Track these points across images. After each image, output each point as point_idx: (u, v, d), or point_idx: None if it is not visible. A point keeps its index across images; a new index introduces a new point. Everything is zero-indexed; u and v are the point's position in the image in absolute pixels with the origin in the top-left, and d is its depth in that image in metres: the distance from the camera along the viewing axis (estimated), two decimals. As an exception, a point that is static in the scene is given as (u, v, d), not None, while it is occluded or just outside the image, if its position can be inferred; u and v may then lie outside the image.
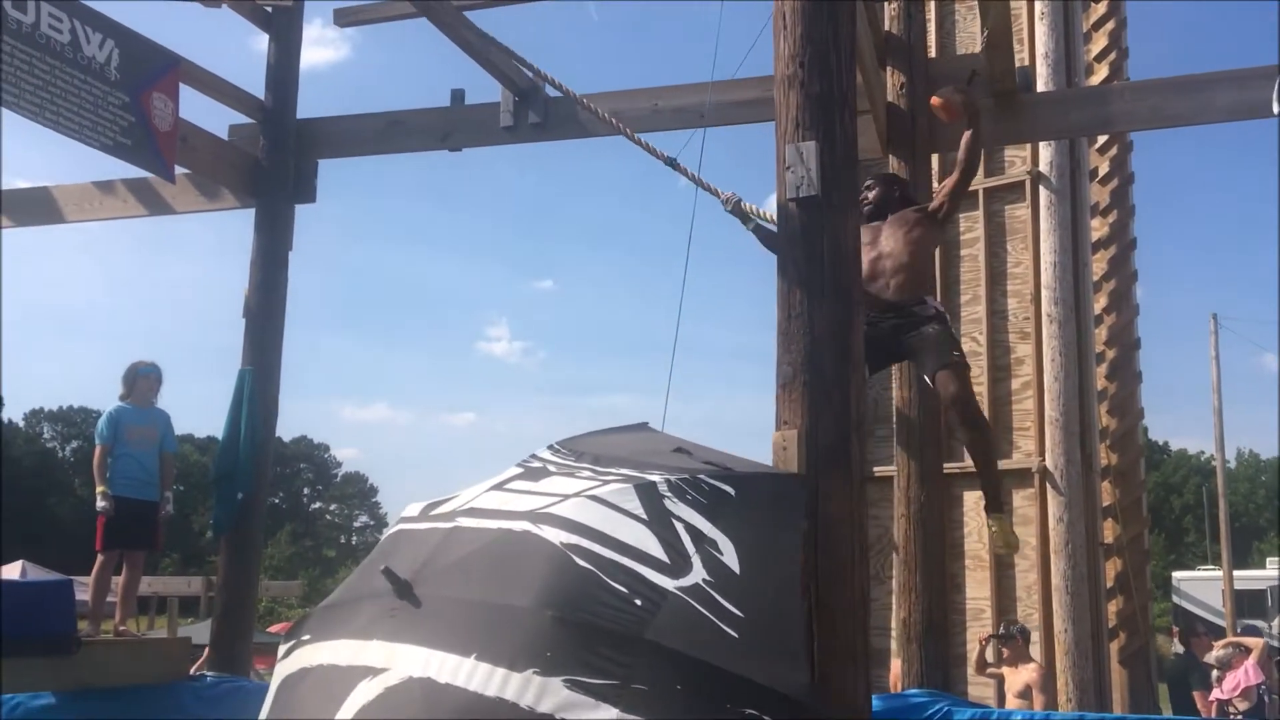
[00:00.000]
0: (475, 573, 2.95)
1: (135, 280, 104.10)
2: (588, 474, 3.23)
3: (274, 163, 7.86)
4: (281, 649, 3.18)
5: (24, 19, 5.96)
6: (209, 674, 6.93)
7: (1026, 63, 9.24)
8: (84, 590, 6.88)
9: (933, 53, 9.01)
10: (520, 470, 3.41)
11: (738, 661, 2.67)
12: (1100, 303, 10.69)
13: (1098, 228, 10.84)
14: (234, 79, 7.84)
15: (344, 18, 7.81)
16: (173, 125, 6.87)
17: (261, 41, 8.19)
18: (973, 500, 9.54)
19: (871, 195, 5.70)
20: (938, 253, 8.80)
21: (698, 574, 2.82)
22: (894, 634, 8.40)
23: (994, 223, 9.87)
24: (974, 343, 9.76)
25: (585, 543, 2.88)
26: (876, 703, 5.09)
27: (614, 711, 2.55)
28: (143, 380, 6.96)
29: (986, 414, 9.54)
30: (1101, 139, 10.93)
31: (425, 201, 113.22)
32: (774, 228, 4.55)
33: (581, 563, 2.84)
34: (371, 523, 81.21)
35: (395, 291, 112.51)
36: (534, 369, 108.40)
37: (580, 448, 3.51)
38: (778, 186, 3.58)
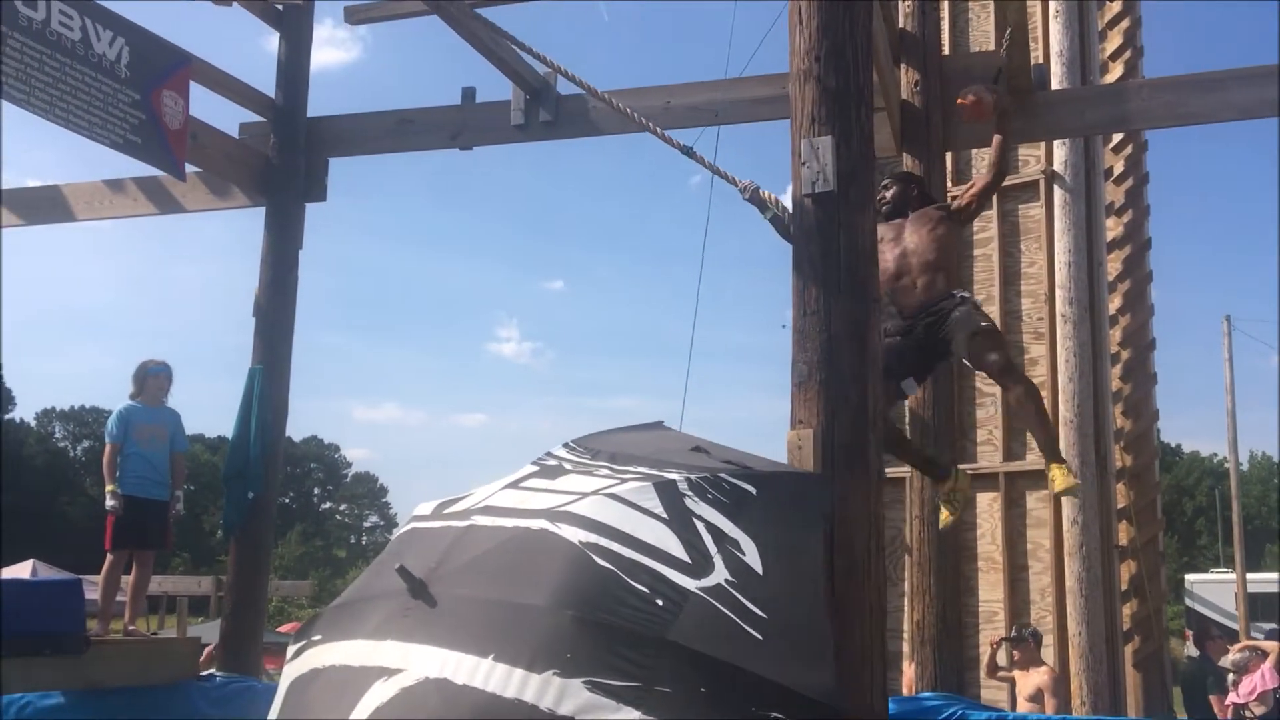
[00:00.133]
0: (492, 572, 2.89)
1: (146, 280, 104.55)
2: (605, 472, 3.17)
3: (284, 161, 7.84)
4: (290, 650, 3.12)
5: (34, 16, 5.94)
6: (218, 674, 6.90)
7: (1040, 61, 9.17)
8: (93, 589, 6.86)
9: (945, 51, 8.94)
10: (536, 468, 3.35)
11: (762, 663, 2.61)
12: (1115, 303, 10.60)
13: (1112, 227, 10.75)
14: (245, 79, 7.83)
15: (354, 15, 7.78)
16: (183, 123, 6.85)
17: (272, 41, 8.18)
18: (986, 502, 9.48)
19: (889, 194, 5.64)
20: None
21: (720, 574, 2.76)
22: (906, 636, 8.36)
23: (1008, 222, 9.80)
24: (987, 343, 9.69)
25: (605, 541, 2.82)
26: (890, 706, 5.04)
27: (636, 714, 2.49)
28: (153, 379, 6.93)
29: (999, 417, 9.54)
30: (1116, 138, 10.85)
31: (436, 202, 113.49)
32: (788, 216, 4.50)
33: (601, 562, 2.78)
34: (381, 523, 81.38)
35: (406, 292, 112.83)
36: (544, 370, 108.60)
37: (596, 446, 3.45)
38: (793, 182, 3.54)
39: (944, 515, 5.61)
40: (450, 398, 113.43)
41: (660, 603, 2.69)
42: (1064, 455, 5.66)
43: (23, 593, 6.06)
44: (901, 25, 6.95)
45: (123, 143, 6.43)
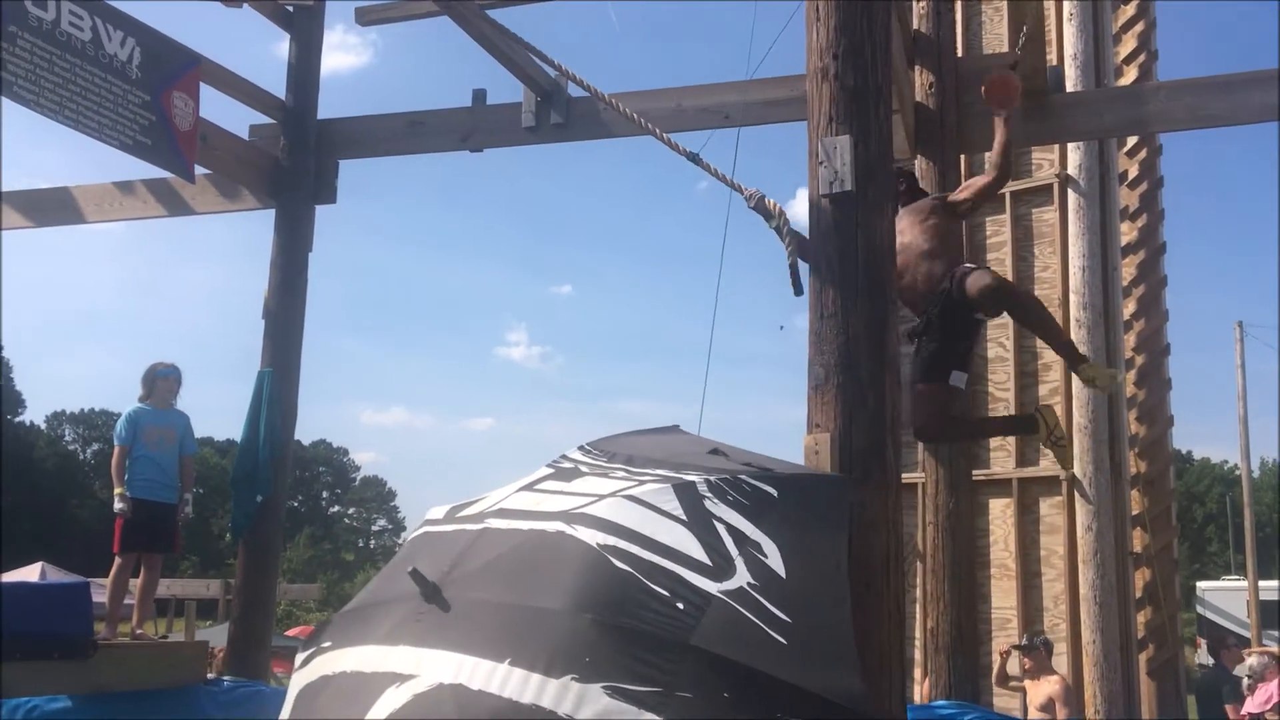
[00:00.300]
0: (507, 575, 2.82)
1: (155, 283, 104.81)
2: (622, 474, 3.10)
3: (294, 163, 7.81)
4: (299, 657, 3.06)
5: (45, 16, 5.92)
6: (226, 678, 6.86)
7: (1055, 64, 9.11)
8: (101, 592, 6.83)
9: (959, 53, 8.88)
10: (551, 471, 3.29)
11: (787, 668, 2.54)
12: (1129, 308, 10.53)
13: (1126, 232, 10.68)
14: (255, 83, 7.80)
15: (365, 15, 7.74)
16: (193, 125, 6.82)
17: (283, 46, 8.15)
18: (999, 508, 9.41)
19: None
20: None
21: (742, 577, 2.70)
22: (918, 644, 8.28)
23: (1021, 226, 9.73)
24: (1000, 348, 9.63)
25: (623, 544, 2.75)
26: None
27: (657, 719, 2.44)
28: (162, 382, 6.90)
29: (1013, 420, 9.45)
30: (1130, 142, 10.78)
31: (445, 206, 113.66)
32: (789, 228, 4.48)
33: (620, 564, 2.71)
34: (390, 526, 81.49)
35: (414, 295, 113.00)
36: (552, 374, 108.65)
37: (612, 448, 3.39)
38: (810, 182, 3.48)
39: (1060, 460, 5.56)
40: (459, 402, 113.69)
41: (681, 606, 2.63)
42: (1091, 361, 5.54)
43: (30, 595, 6.03)
44: (916, 27, 6.89)
45: (132, 144, 6.40)
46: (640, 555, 2.72)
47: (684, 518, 2.81)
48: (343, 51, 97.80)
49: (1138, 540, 10.09)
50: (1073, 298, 9.28)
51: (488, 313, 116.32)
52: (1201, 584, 30.32)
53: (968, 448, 6.80)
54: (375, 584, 3.17)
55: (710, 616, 2.60)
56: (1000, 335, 9.64)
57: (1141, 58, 10.70)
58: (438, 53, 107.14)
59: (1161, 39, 11.04)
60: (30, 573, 18.13)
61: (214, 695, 6.38)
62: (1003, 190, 9.78)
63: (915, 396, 5.11)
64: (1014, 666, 8.39)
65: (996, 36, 9.98)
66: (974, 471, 7.39)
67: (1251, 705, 8.96)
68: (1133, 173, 10.85)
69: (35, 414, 64.76)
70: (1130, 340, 10.50)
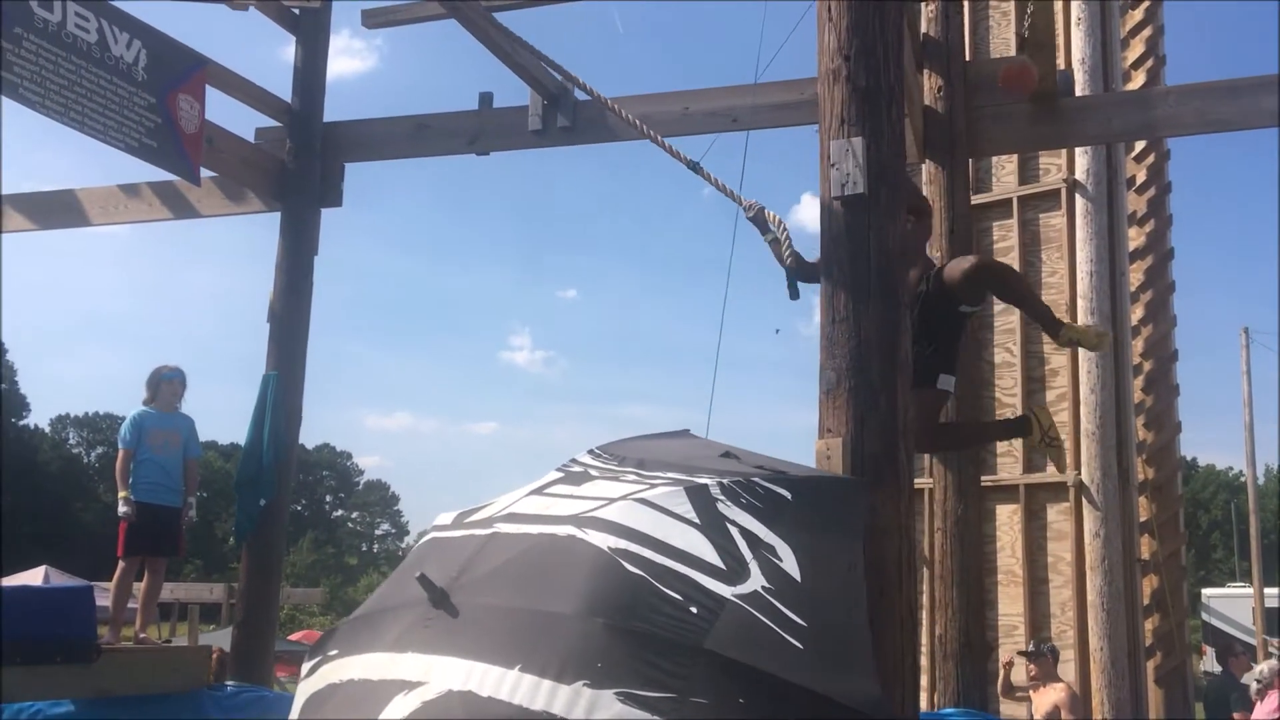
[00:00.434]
0: (517, 579, 2.78)
1: (160, 286, 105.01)
2: (633, 477, 3.06)
3: (300, 166, 7.79)
4: (305, 666, 3.01)
5: (50, 18, 5.90)
6: (230, 683, 6.83)
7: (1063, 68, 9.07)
8: (105, 596, 6.80)
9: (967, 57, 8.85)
10: (561, 475, 3.24)
11: (804, 673, 2.50)
12: (1137, 313, 10.48)
13: (1134, 237, 10.62)
14: (261, 86, 7.78)
15: (372, 19, 7.73)
16: (199, 127, 6.81)
17: (288, 50, 8.14)
18: (1006, 514, 9.36)
19: None
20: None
21: (756, 581, 2.66)
22: (925, 651, 8.23)
23: (1028, 231, 9.69)
24: (1008, 353, 9.59)
25: (635, 547, 2.71)
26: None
27: None
28: (166, 385, 6.88)
29: (1020, 426, 9.40)
30: (1138, 147, 10.73)
31: (449, 210, 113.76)
32: (789, 243, 4.48)
33: (631, 568, 2.67)
34: (393, 531, 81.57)
35: (419, 300, 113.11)
36: (556, 378, 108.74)
37: (622, 452, 3.34)
38: (821, 185, 3.45)
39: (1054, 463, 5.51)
40: (463, 406, 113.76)
41: (695, 610, 2.59)
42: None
43: (34, 599, 6.01)
44: (924, 30, 6.86)
45: (138, 146, 6.39)
46: (652, 559, 2.68)
47: (696, 520, 2.77)
48: (348, 56, 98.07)
49: (1145, 547, 10.03)
50: (1080, 303, 9.23)
51: (492, 317, 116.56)
52: (1206, 591, 30.25)
53: (975, 452, 6.75)
54: (382, 590, 3.13)
55: (724, 620, 2.56)
56: (1007, 340, 9.59)
57: (1149, 62, 10.65)
58: (443, 58, 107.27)
59: (1169, 44, 11.01)
60: (34, 576, 18.12)
61: (218, 700, 6.35)
62: (1009, 195, 9.83)
63: None
64: (1020, 676, 8.34)
65: (1003, 41, 9.94)
66: (981, 477, 7.34)
67: (1260, 712, 8.88)
68: (1140, 178, 10.80)
69: (39, 417, 64.94)
70: (1138, 346, 10.44)
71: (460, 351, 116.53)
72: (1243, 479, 34.95)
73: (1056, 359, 9.42)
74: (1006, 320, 9.66)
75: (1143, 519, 10.05)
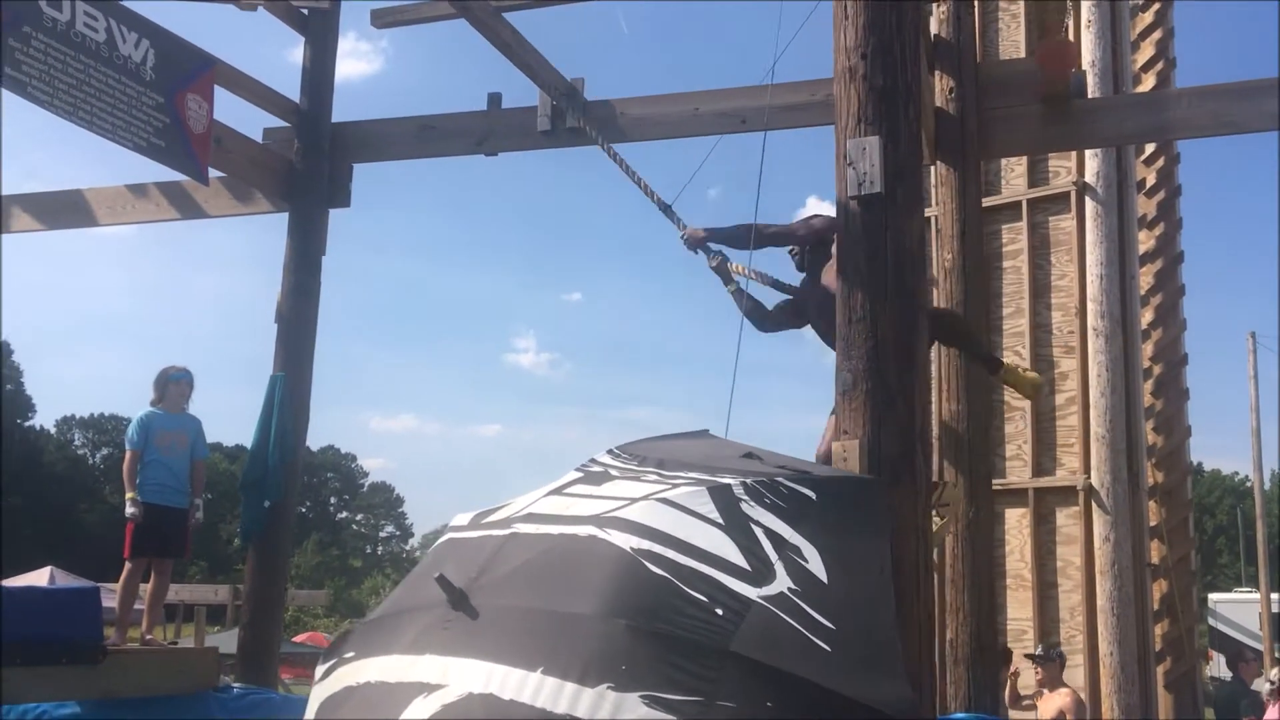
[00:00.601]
0: (537, 580, 2.73)
1: (165, 288, 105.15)
2: (654, 477, 3.01)
3: (308, 166, 7.76)
4: (319, 669, 2.96)
5: (59, 17, 5.89)
6: (236, 684, 6.80)
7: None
8: (111, 598, 6.77)
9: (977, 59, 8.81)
10: (580, 475, 3.20)
11: (831, 675, 2.45)
12: (1146, 317, 10.42)
13: (1144, 240, 10.57)
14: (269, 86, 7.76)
15: (381, 19, 7.71)
16: (207, 127, 6.78)
17: (295, 53, 8.11)
18: (1015, 518, 9.32)
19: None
20: (975, 265, 8.50)
21: (782, 582, 2.61)
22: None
23: (1038, 234, 9.65)
24: (1016, 356, 9.54)
25: (657, 548, 2.66)
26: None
27: None
28: (174, 386, 6.85)
29: (1029, 432, 9.37)
30: (1148, 150, 10.69)
31: (454, 212, 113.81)
32: (753, 290, 4.57)
33: (655, 569, 2.62)
34: (397, 533, 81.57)
35: (423, 301, 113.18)
36: (560, 381, 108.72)
37: (642, 452, 3.29)
38: (837, 184, 3.42)
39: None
40: (467, 408, 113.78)
41: (720, 612, 2.54)
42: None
43: (41, 600, 5.98)
44: (935, 31, 6.83)
45: (146, 146, 6.37)
46: (676, 559, 2.64)
47: (720, 521, 2.73)
48: (353, 59, 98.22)
49: (1155, 552, 9.98)
50: (1090, 306, 9.19)
51: (496, 319, 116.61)
52: (1213, 596, 30.09)
53: (986, 456, 6.70)
54: (398, 592, 3.08)
55: (750, 622, 2.51)
56: (1016, 344, 9.56)
57: (1160, 65, 10.60)
58: (449, 60, 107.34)
59: (1179, 46, 10.96)
60: (39, 577, 18.10)
61: (223, 702, 6.32)
62: (1019, 198, 9.79)
63: None
64: (1028, 682, 8.29)
65: (1013, 44, 9.91)
66: (990, 481, 7.29)
67: (1273, 713, 8.82)
68: (1150, 181, 10.75)
69: (45, 418, 64.91)
70: (1148, 349, 10.39)
71: (465, 354, 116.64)
72: (1248, 484, 34.84)
73: (1066, 362, 9.38)
74: (1015, 324, 9.63)
75: (1152, 524, 10.00)
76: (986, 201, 9.10)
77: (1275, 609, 24.08)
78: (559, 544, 2.81)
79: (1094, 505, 8.91)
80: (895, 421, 3.19)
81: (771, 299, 5.94)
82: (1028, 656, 8.32)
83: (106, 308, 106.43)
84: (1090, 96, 8.66)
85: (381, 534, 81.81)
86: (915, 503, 3.14)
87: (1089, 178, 9.38)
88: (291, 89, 7.96)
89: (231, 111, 7.25)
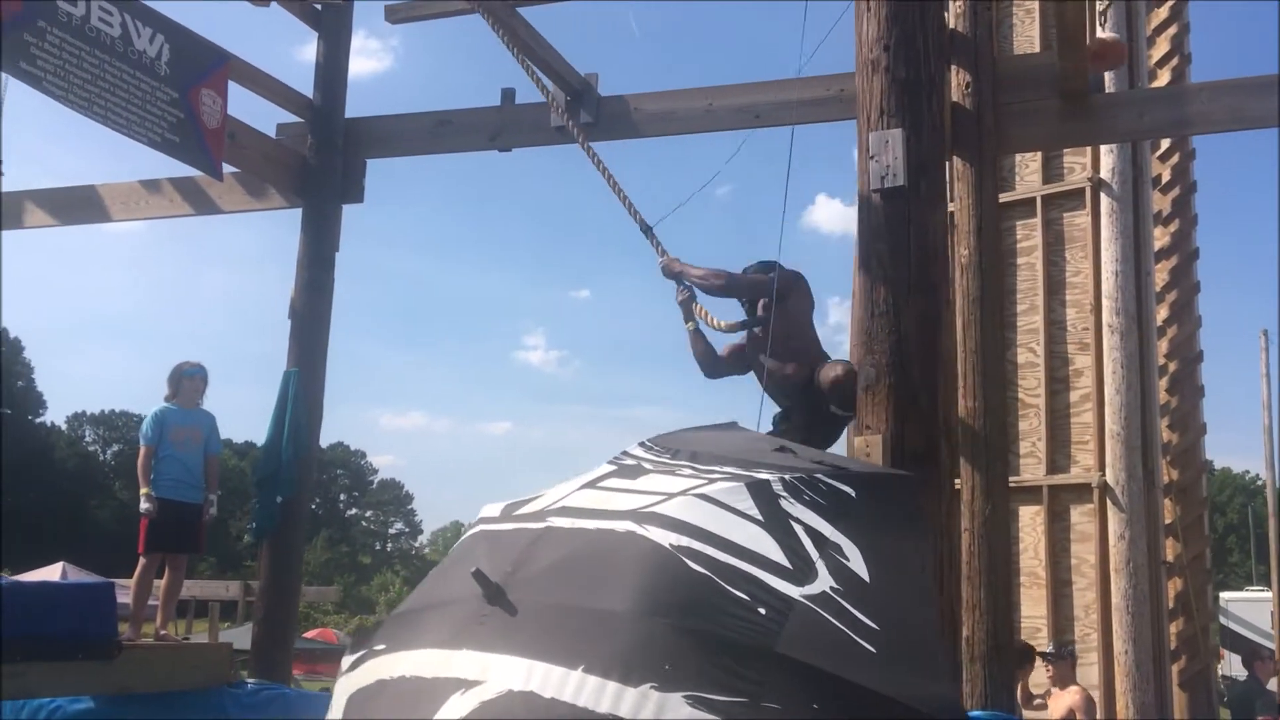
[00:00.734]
0: (576, 576, 2.69)
1: (176, 284, 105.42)
2: (689, 472, 2.97)
3: (322, 162, 7.76)
4: (346, 660, 2.93)
5: (75, 12, 5.89)
6: (250, 680, 6.80)
7: (1088, 66, 8.96)
8: (125, 593, 6.77)
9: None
10: (614, 468, 3.16)
11: (877, 677, 2.41)
12: (1161, 314, 10.36)
13: (1159, 237, 10.51)
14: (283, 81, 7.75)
15: (395, 14, 7.70)
16: (221, 122, 6.78)
17: (309, 50, 8.11)
18: (1029, 515, 9.28)
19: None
20: (991, 261, 8.40)
21: (824, 581, 2.57)
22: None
23: (1052, 230, 9.60)
24: (1030, 353, 9.50)
25: (697, 545, 2.62)
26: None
27: None
28: (188, 381, 6.84)
29: (1043, 430, 9.32)
30: (1163, 146, 10.62)
31: (464, 209, 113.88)
32: (711, 336, 4.60)
33: (696, 566, 2.58)
34: (407, 530, 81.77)
35: (433, 298, 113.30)
36: (569, 378, 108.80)
37: (675, 444, 3.25)
38: (859, 177, 3.39)
39: None
40: (477, 405, 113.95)
41: (763, 611, 2.49)
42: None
43: (55, 595, 5.98)
44: (952, 26, 6.78)
45: (161, 141, 6.37)
46: (716, 557, 2.59)
47: (760, 518, 2.69)
48: (364, 56, 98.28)
49: (1169, 549, 9.92)
50: (1105, 303, 9.14)
51: (505, 316, 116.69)
52: (1225, 594, 29.97)
53: (1002, 453, 6.66)
54: (428, 585, 3.05)
55: (793, 622, 2.47)
56: (1030, 341, 9.51)
57: (1175, 61, 10.53)
58: (459, 57, 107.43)
59: (1194, 42, 10.89)
60: (51, 572, 18.18)
61: (237, 698, 6.32)
62: (1034, 194, 9.74)
63: None
64: (1039, 680, 8.25)
65: (1027, 40, 9.86)
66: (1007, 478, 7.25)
67: (1287, 718, 8.80)
68: (1166, 177, 10.69)
69: (56, 415, 65.16)
70: (1163, 346, 10.33)
71: (474, 351, 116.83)
72: (1259, 483, 34.70)
73: (1081, 359, 9.33)
74: (1030, 320, 9.58)
75: (1167, 521, 9.94)
76: (1001, 197, 9.04)
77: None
78: (596, 539, 2.77)
79: (1109, 502, 8.86)
80: (919, 416, 3.16)
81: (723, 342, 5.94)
82: (1040, 654, 8.28)
83: (118, 304, 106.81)
84: (1107, 91, 8.62)
85: (391, 531, 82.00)
86: (939, 498, 3.12)
87: (1104, 174, 9.33)
88: (303, 87, 7.96)
89: (245, 107, 7.26)
